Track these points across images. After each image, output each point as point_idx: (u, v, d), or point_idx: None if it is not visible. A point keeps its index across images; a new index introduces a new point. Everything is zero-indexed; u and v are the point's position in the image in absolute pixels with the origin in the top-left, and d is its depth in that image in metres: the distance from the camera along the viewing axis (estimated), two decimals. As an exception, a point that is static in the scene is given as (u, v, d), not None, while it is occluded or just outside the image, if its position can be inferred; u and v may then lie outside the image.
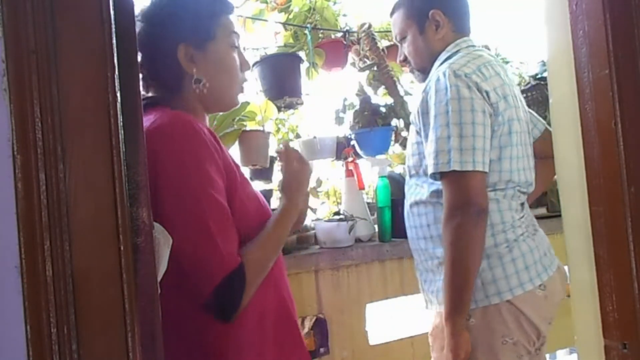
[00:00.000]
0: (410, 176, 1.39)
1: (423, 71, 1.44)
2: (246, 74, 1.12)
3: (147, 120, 0.93)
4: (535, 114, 1.51)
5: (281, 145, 1.13)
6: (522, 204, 1.34)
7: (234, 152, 1.80)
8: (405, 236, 1.46)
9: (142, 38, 1.01)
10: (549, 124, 1.34)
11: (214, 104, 1.07)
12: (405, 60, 1.49)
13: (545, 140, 1.44)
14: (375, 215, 1.92)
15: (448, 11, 1.39)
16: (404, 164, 1.81)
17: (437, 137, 1.22)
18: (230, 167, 0.96)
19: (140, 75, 1.06)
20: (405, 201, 1.42)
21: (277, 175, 2.34)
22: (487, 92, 1.23)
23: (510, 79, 1.36)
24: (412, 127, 1.40)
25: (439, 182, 1.27)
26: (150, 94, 1.07)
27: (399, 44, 1.50)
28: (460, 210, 1.18)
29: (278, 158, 1.13)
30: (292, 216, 1.04)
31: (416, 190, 1.36)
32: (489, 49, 2.22)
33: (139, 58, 1.04)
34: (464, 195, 1.19)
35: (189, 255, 0.85)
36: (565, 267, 1.13)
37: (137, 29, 1.02)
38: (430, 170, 1.24)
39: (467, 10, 1.44)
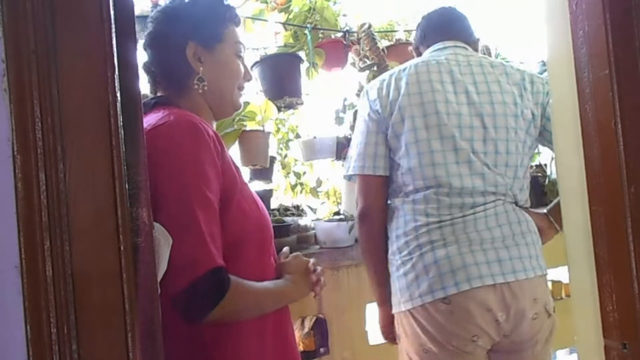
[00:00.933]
0: None
1: None
2: (247, 84, 1.15)
3: (155, 116, 0.94)
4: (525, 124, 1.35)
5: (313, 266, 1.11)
6: (461, 207, 1.22)
7: (234, 152, 1.80)
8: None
9: (154, 35, 1.04)
10: (548, 124, 1.33)
11: (217, 107, 1.09)
12: None
13: None
14: (375, 215, 1.92)
15: (422, 44, 1.48)
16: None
17: (352, 143, 1.42)
18: (231, 171, 0.96)
19: (148, 76, 1.08)
20: None
21: (277, 176, 2.35)
22: (373, 101, 1.33)
23: (459, 81, 1.29)
24: None
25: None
26: (159, 94, 1.08)
27: None
28: (356, 211, 1.36)
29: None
30: (289, 296, 1.03)
31: None
32: (488, 50, 2.22)
33: (149, 56, 1.06)
34: (357, 196, 1.36)
35: (174, 245, 0.82)
36: (565, 267, 1.12)
37: (150, 27, 1.05)
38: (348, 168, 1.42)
39: (442, 22, 1.46)
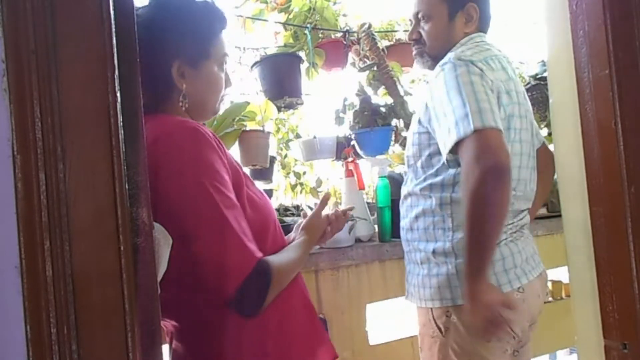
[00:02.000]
0: (409, 166, 1.38)
1: (434, 57, 1.39)
2: (228, 90, 1.15)
3: (146, 128, 0.93)
4: (536, 125, 1.49)
5: (335, 209, 1.25)
6: (519, 212, 1.31)
7: (234, 152, 1.80)
8: (405, 236, 1.45)
9: (139, 45, 1.01)
10: (548, 124, 1.34)
11: (196, 115, 1.08)
12: (417, 39, 1.43)
13: (541, 154, 1.43)
14: (375, 215, 1.92)
15: (482, 9, 1.37)
16: (404, 163, 1.80)
17: (453, 108, 1.16)
18: (235, 169, 0.98)
19: None
20: (402, 190, 1.42)
21: (277, 176, 2.35)
22: (491, 81, 1.21)
23: (516, 76, 1.35)
24: (414, 117, 1.38)
25: (433, 177, 1.27)
26: None
27: (414, 20, 1.43)
28: (477, 166, 1.10)
29: (322, 202, 1.22)
30: (310, 248, 1.15)
31: (411, 182, 1.36)
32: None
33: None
34: (482, 151, 1.11)
35: (213, 254, 0.87)
36: (565, 267, 1.13)
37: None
38: (449, 145, 1.16)
39: (490, 10, 1.43)
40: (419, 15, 1.42)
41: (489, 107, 1.15)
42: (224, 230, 0.87)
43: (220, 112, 1.64)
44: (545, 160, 1.41)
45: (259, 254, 0.90)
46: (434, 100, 1.24)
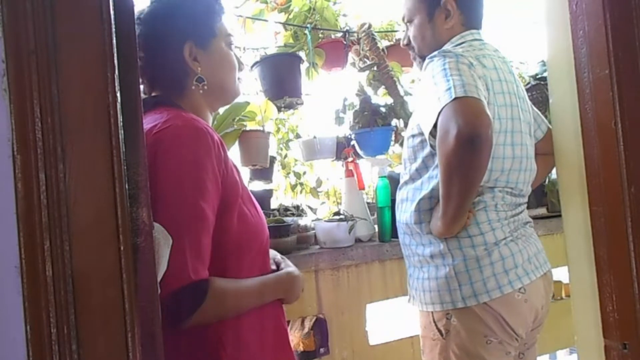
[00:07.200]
0: (404, 168, 1.37)
1: (424, 59, 1.37)
2: (242, 74, 1.16)
3: (160, 117, 0.94)
4: (541, 114, 1.48)
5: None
6: (515, 206, 1.31)
7: (234, 152, 1.80)
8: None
9: (147, 39, 1.02)
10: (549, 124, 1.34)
11: (217, 99, 1.10)
12: (408, 44, 1.46)
13: (548, 140, 1.44)
14: (375, 215, 1.92)
15: (460, 2, 1.35)
16: (403, 164, 1.80)
17: (438, 87, 1.13)
18: (233, 177, 0.96)
19: (142, 77, 1.07)
20: (397, 194, 1.40)
21: (277, 176, 2.35)
22: (479, 77, 1.18)
23: (514, 78, 1.33)
24: (410, 120, 1.38)
25: (426, 186, 1.27)
26: (155, 94, 1.07)
27: (405, 25, 1.46)
28: (451, 133, 1.05)
29: None
30: (280, 292, 1.07)
31: (406, 186, 1.35)
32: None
33: (142, 59, 1.04)
34: (458, 117, 1.06)
35: None
36: (565, 267, 1.13)
37: (139, 31, 1.02)
38: (432, 121, 1.13)
39: (480, 6, 1.40)
40: (405, 20, 1.45)
41: (474, 83, 1.11)
42: (180, 236, 0.84)
43: (220, 111, 1.64)
44: (550, 145, 1.37)
45: (203, 274, 0.86)
46: (422, 90, 1.23)
